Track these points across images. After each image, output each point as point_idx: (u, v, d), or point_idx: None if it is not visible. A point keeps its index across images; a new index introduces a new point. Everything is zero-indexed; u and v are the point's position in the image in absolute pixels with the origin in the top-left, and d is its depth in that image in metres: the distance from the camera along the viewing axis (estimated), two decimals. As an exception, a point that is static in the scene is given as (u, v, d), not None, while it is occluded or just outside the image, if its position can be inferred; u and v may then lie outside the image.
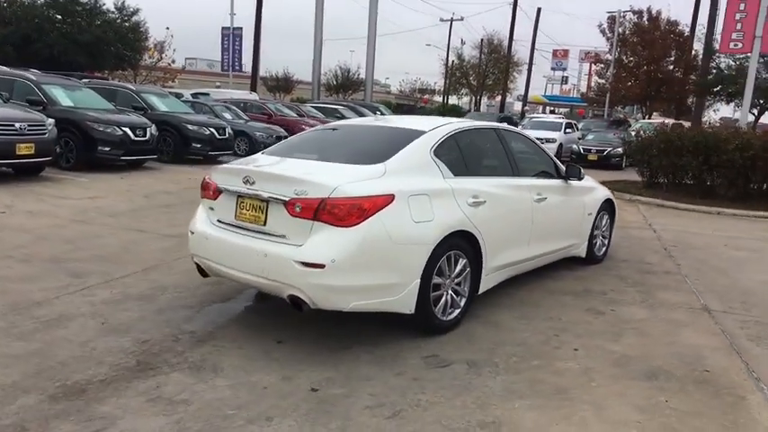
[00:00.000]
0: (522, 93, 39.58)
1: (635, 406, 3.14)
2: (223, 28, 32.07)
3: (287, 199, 3.55)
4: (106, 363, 3.37)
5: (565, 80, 73.97)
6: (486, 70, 34.77)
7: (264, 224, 3.70)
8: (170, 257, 5.59)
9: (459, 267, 4.07)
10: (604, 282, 5.61)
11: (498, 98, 40.20)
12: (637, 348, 3.96)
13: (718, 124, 23.88)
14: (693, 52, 29.79)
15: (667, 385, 3.41)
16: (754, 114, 29.07)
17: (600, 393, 3.28)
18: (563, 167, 5.57)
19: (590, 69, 70.12)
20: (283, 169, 3.83)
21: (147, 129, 11.67)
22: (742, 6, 12.55)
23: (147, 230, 6.68)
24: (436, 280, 3.88)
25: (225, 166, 4.18)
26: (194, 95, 20.45)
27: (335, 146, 4.44)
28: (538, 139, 22.92)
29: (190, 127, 13.20)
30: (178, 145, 13.17)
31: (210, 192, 4.08)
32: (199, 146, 13.29)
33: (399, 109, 34.23)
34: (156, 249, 5.88)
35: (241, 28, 31.97)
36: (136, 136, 11.38)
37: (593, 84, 37.29)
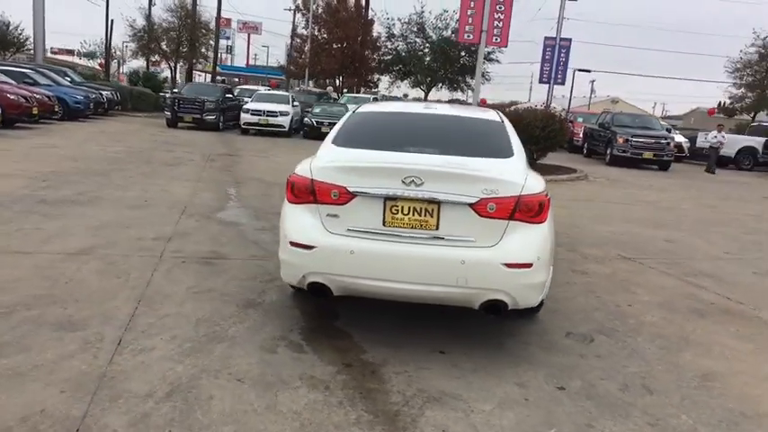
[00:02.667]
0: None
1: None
2: None
3: (475, 200, 3.30)
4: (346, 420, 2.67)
5: (229, 50, 73.99)
6: (181, 36, 32.32)
7: (437, 228, 3.34)
8: (136, 283, 4.26)
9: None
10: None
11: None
12: (664, 296, 4.92)
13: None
14: (376, 34, 33.71)
15: (737, 320, 4.48)
16: (423, 90, 34.73)
17: (733, 332, 4.17)
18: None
19: (249, 39, 71.60)
20: (457, 167, 3.45)
21: None
22: (472, 4, 15.05)
23: (28, 251, 4.79)
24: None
25: (350, 163, 3.50)
26: None
27: (441, 138, 4.09)
28: (271, 112, 22.46)
29: None
30: None
31: (331, 196, 3.40)
32: None
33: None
34: (92, 274, 4.36)
35: None
36: None
37: (285, 57, 38.67)
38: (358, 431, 2.63)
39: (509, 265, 3.29)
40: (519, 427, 2.77)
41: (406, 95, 40.71)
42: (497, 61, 33.74)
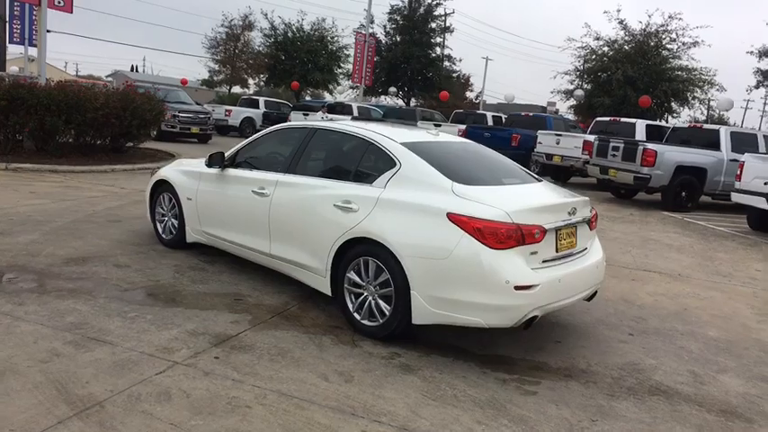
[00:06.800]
0: None
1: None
2: None
3: (589, 218, 4.30)
4: None
5: None
6: None
7: (576, 245, 4.17)
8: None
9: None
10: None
11: None
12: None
13: None
14: None
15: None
16: None
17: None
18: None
19: None
20: (574, 195, 4.22)
21: None
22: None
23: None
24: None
25: (541, 204, 4.01)
26: None
27: (508, 169, 4.59)
28: None
29: None
30: None
31: (534, 236, 3.72)
32: None
33: None
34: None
35: None
36: None
37: None
38: (702, 418, 3.46)
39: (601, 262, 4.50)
40: (700, 372, 4.11)
41: None
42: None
